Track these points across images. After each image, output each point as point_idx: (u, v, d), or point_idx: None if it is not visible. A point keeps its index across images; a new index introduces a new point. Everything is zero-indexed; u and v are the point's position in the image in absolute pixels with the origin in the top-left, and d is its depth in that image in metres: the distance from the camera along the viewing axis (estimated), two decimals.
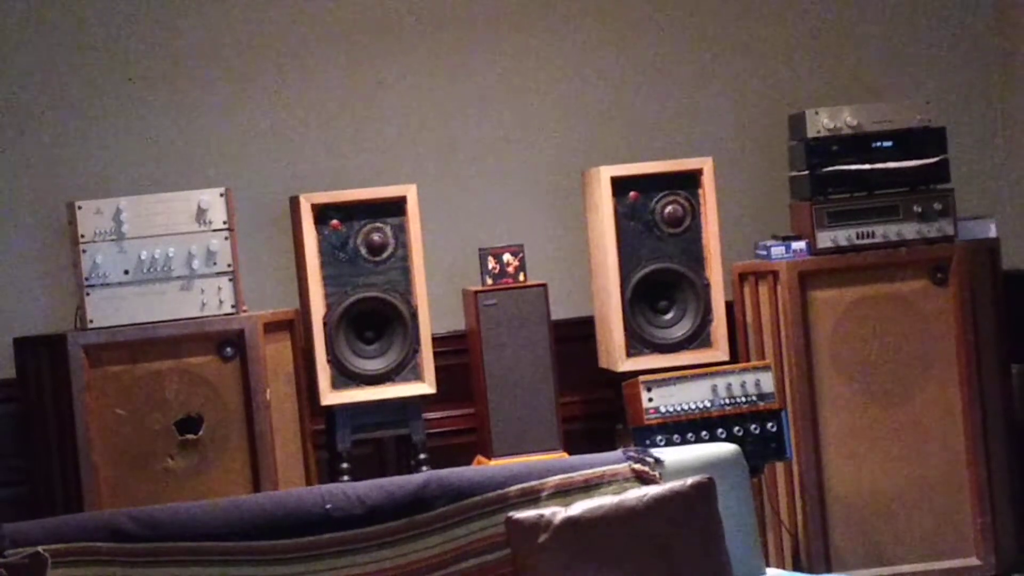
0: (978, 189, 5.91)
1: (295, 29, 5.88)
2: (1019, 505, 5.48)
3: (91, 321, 5.12)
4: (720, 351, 5.50)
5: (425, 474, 4.24)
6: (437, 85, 5.96)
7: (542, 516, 3.94)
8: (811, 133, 5.50)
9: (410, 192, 5.39)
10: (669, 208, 5.52)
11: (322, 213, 5.34)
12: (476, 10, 5.97)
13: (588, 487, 4.06)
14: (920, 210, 5.49)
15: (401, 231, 5.38)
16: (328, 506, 3.99)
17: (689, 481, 3.99)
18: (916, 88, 5.98)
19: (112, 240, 5.14)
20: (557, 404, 5.45)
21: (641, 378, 5.22)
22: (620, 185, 5.48)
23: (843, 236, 5.48)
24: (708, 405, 5.18)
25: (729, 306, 5.62)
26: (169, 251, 5.16)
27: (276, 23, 5.87)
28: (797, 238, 5.53)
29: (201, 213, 5.21)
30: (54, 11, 5.74)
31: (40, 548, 3.78)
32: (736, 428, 5.12)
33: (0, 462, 5.55)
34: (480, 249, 5.53)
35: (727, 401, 5.18)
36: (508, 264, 5.51)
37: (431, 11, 5.95)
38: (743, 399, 5.19)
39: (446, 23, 5.96)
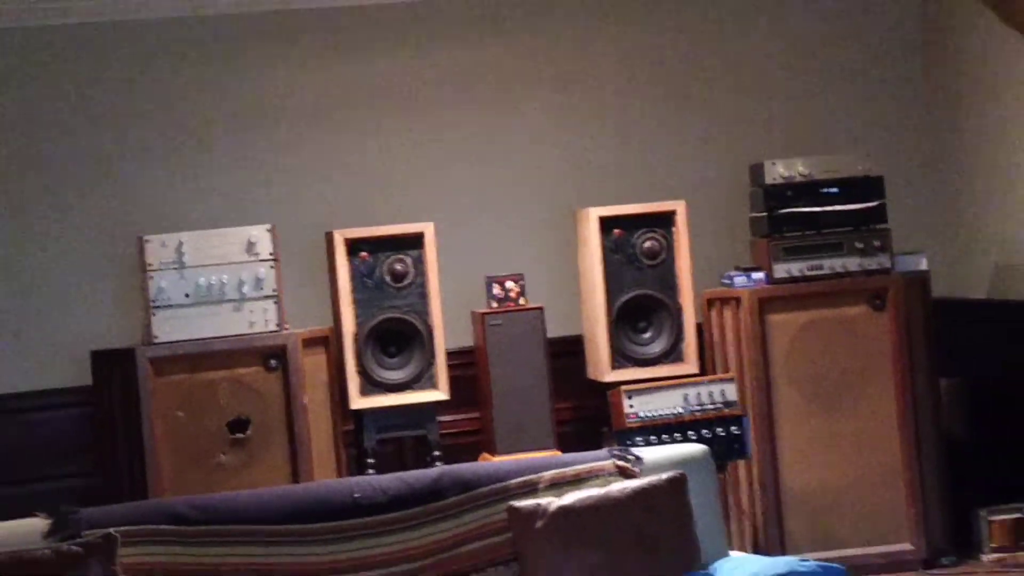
0: (911, 228, 5.88)
1: (331, 91, 5.89)
2: (946, 499, 5.46)
3: (156, 337, 5.14)
4: (691, 365, 5.49)
5: (439, 468, 4.25)
6: (452, 138, 5.97)
7: (539, 505, 3.93)
8: (768, 180, 5.51)
9: (428, 229, 5.42)
10: (648, 243, 5.53)
11: (353, 246, 5.36)
12: (483, 77, 5.98)
13: (578, 480, 4.04)
14: (861, 246, 5.49)
15: (420, 262, 5.40)
16: (356, 495, 3.98)
17: (664, 476, 3.98)
18: (859, 141, 5.96)
19: (175, 269, 5.16)
20: (551, 409, 5.45)
21: (623, 387, 5.24)
22: (606, 223, 5.49)
23: (796, 268, 5.48)
24: (680, 411, 5.19)
25: (699, 327, 5.60)
26: (223, 278, 5.18)
27: (315, 86, 5.88)
28: (757, 269, 5.54)
29: (250, 246, 5.23)
30: (129, 76, 5.78)
31: (112, 530, 3.77)
32: (704, 431, 5.13)
33: (78, 456, 5.56)
34: (487, 277, 5.54)
35: (697, 408, 5.19)
36: (511, 290, 5.52)
37: (446, 78, 5.95)
38: (710, 406, 5.21)
39: (460, 88, 5.97)
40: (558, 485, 4.02)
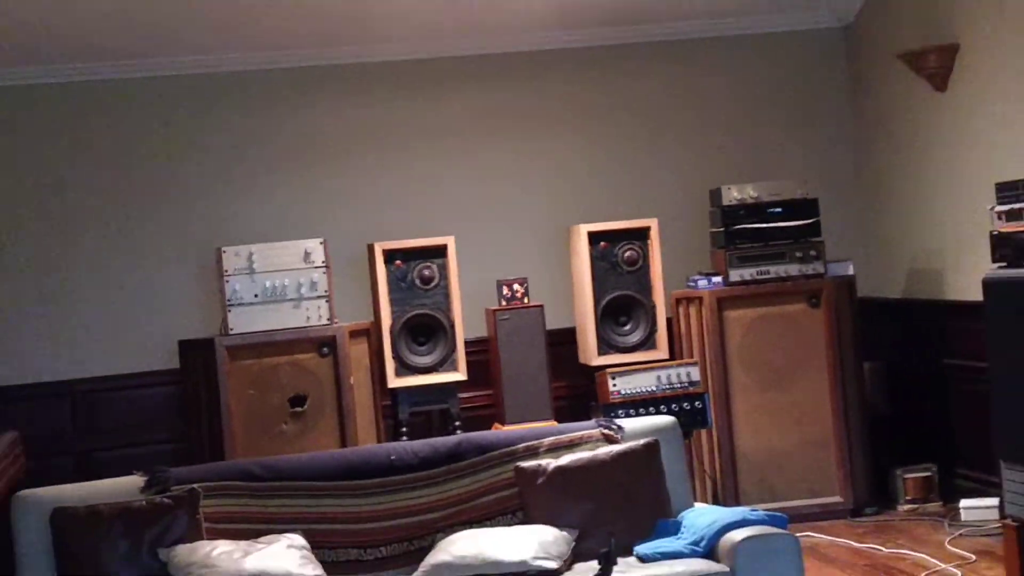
0: (840, 240, 5.89)
1: (371, 130, 5.90)
2: (869, 461, 5.46)
3: (231, 329, 5.14)
4: (662, 352, 5.50)
5: (459, 436, 4.23)
6: (469, 169, 5.97)
7: (540, 465, 3.93)
8: (725, 202, 5.50)
9: (450, 241, 5.43)
10: (627, 253, 5.53)
11: (389, 255, 5.37)
12: (495, 119, 5.98)
13: (572, 445, 4.02)
14: (800, 255, 5.48)
15: (443, 268, 5.40)
16: (392, 457, 3.96)
17: (641, 442, 3.97)
18: (798, 170, 5.94)
19: (246, 274, 5.17)
20: (550, 387, 5.46)
21: (608, 370, 5.22)
22: (593, 237, 5.50)
23: (747, 273, 5.46)
24: (654, 389, 5.17)
25: (669, 321, 5.62)
26: (284, 281, 5.19)
27: (358, 126, 5.89)
28: (716, 274, 5.53)
29: (306, 255, 5.23)
30: (209, 120, 5.80)
31: (195, 485, 3.78)
32: (673, 405, 5.11)
33: (168, 426, 5.59)
34: (497, 280, 5.54)
35: (667, 387, 5.17)
36: (517, 291, 5.52)
37: (465, 120, 5.96)
38: (678, 385, 5.19)
39: (475, 128, 5.97)
40: (555, 449, 4.01)
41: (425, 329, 5.40)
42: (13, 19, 5.20)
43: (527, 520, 3.86)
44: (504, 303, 5.50)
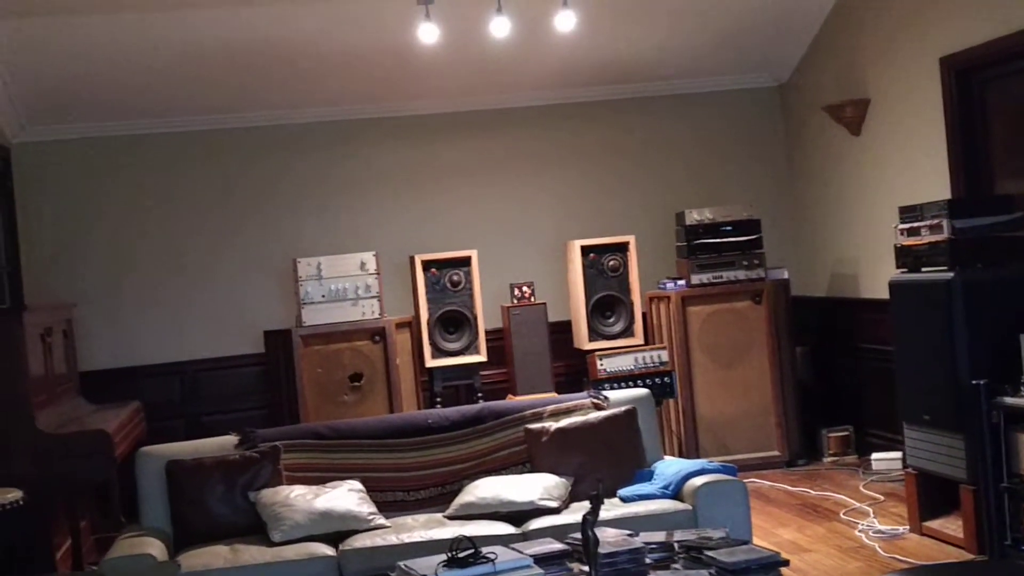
0: (777, 251, 5.88)
1: (413, 167, 5.88)
2: (800, 422, 5.44)
3: (304, 322, 5.14)
4: (639, 339, 5.49)
5: (481, 404, 4.21)
6: (489, 196, 5.94)
7: (544, 427, 3.93)
8: (688, 222, 5.49)
9: (473, 254, 5.42)
10: (612, 262, 5.53)
11: (426, 264, 5.36)
12: (510, 158, 5.95)
13: (569, 411, 4.03)
14: (746, 263, 5.47)
15: (468, 274, 5.39)
16: (429, 421, 3.97)
17: (623, 408, 3.97)
18: (744, 196, 5.94)
19: (315, 279, 5.17)
20: (551, 367, 5.45)
21: (596, 353, 5.18)
22: (585, 250, 5.49)
23: (705, 277, 5.45)
24: (632, 368, 5.14)
25: (644, 315, 5.61)
26: (345, 285, 5.19)
27: (402, 163, 5.87)
28: (680, 278, 5.53)
29: (362, 264, 5.23)
30: (290, 158, 5.77)
31: (277, 442, 3.80)
32: (647, 380, 5.08)
33: (256, 397, 5.58)
34: (511, 284, 5.54)
35: (643, 366, 5.14)
36: (525, 292, 5.53)
37: (487, 159, 5.93)
38: (651, 365, 5.16)
39: (496, 165, 5.94)
40: (556, 415, 4.01)
41: (454, 321, 5.39)
42: (152, 89, 5.23)
43: (534, 470, 3.86)
44: (515, 301, 5.50)
